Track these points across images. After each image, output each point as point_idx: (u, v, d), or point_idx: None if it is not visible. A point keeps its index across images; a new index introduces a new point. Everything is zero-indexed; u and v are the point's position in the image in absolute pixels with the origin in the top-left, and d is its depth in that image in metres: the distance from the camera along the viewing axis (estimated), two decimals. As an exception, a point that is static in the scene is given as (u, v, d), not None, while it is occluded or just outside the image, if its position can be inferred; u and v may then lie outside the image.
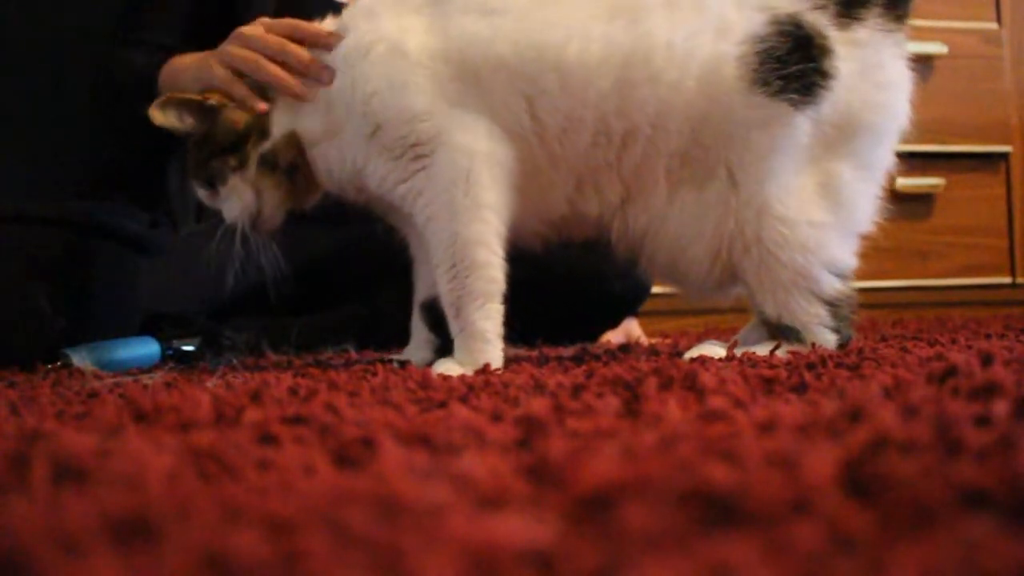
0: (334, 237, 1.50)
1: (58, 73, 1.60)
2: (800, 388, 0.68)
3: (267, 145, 1.06)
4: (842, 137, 1.02)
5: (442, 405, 0.65)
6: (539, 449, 0.46)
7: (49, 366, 1.12)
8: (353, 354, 1.25)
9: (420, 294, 1.15)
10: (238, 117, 1.06)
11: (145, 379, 0.96)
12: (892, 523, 0.33)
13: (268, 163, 1.06)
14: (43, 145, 1.66)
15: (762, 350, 1.01)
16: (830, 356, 0.91)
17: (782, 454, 0.40)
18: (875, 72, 1.03)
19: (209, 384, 0.86)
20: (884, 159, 1.07)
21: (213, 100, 1.07)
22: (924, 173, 2.30)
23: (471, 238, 1.00)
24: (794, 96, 0.99)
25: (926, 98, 2.38)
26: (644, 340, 1.53)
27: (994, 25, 2.37)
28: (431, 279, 1.07)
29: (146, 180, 1.41)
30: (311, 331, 1.39)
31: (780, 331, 1.04)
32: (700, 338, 1.56)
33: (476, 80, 1.01)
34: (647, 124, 1.01)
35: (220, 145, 1.06)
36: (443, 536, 0.32)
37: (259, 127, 1.06)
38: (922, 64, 2.30)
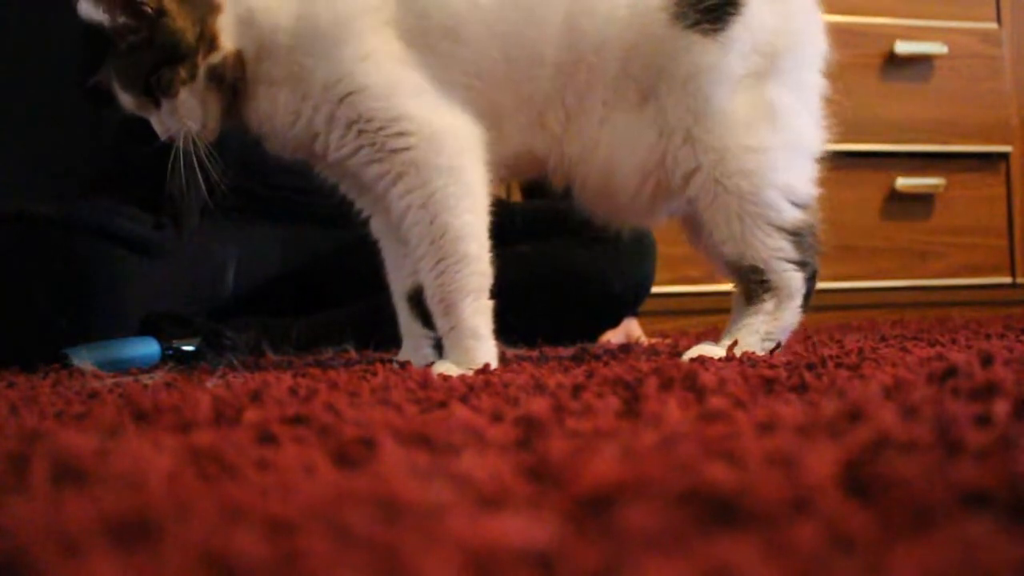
0: (334, 237, 1.50)
1: (58, 73, 1.60)
2: (800, 388, 0.68)
3: (217, 57, 1.01)
4: (765, 63, 1.04)
5: (442, 405, 0.65)
6: (539, 449, 0.46)
7: (49, 366, 1.12)
8: (353, 354, 1.25)
9: (401, 285, 1.12)
10: (184, 26, 1.00)
11: (145, 379, 0.96)
12: (892, 523, 0.33)
13: (216, 77, 1.01)
14: (44, 145, 1.66)
15: (748, 335, 1.02)
16: (830, 356, 0.91)
17: (782, 454, 0.40)
18: (783, 4, 1.06)
19: (209, 384, 0.86)
20: (813, 82, 1.09)
21: (150, 5, 1.00)
22: (924, 173, 2.30)
23: (462, 231, 0.97)
24: (707, 25, 1.02)
25: (926, 98, 2.41)
26: (644, 340, 1.53)
27: (994, 25, 2.37)
28: (411, 266, 1.04)
29: (148, 181, 1.41)
30: (311, 331, 1.39)
31: (744, 276, 1.04)
32: (700, 338, 1.56)
33: (455, 38, 1.01)
34: (591, 53, 1.03)
35: (167, 55, 1.00)
36: (443, 536, 0.32)
37: (208, 37, 1.01)
38: (922, 64, 2.31)
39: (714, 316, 2.11)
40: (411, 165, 0.98)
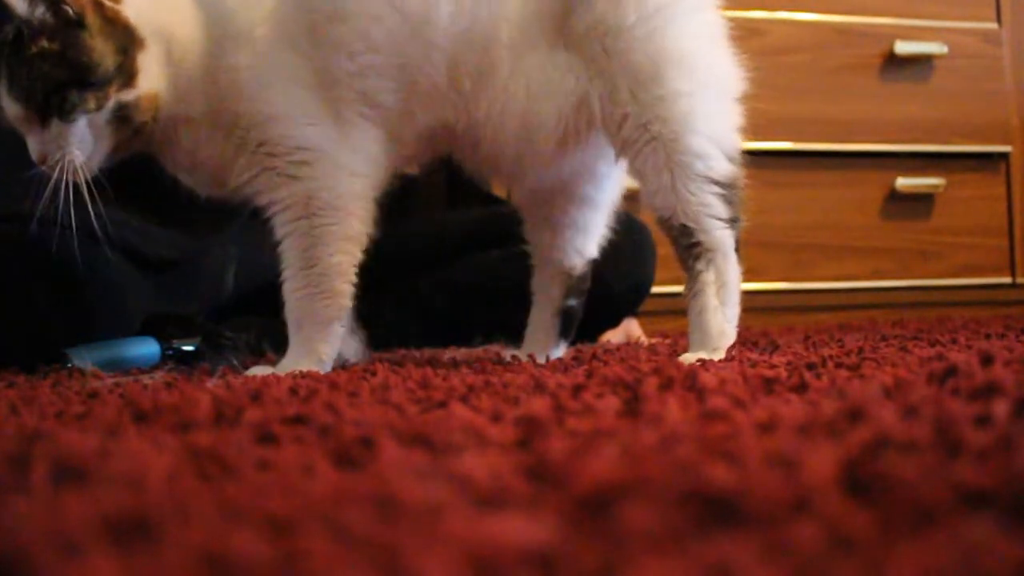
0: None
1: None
2: (800, 388, 0.68)
3: (130, 96, 0.96)
4: (662, 11, 1.02)
5: (442, 405, 0.65)
6: (539, 449, 0.46)
7: (49, 366, 1.12)
8: (353, 354, 1.25)
9: None
10: (104, 49, 0.94)
11: (145, 379, 0.96)
12: (892, 523, 0.33)
13: (122, 115, 0.96)
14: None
15: (711, 316, 1.01)
16: (830, 356, 0.91)
17: (782, 454, 0.40)
18: None
19: (209, 384, 0.86)
20: (714, 21, 1.07)
21: (72, 7, 0.93)
22: (924, 173, 2.30)
23: (333, 269, 1.01)
24: None
25: (926, 98, 2.41)
26: (644, 340, 1.53)
27: (994, 25, 2.36)
28: None
29: (149, 187, 1.40)
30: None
31: (676, 239, 1.02)
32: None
33: (342, 18, 0.99)
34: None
35: (78, 76, 0.94)
36: (443, 536, 0.32)
37: (127, 71, 0.95)
38: (922, 64, 2.31)
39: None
40: (303, 196, 1.00)
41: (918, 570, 0.29)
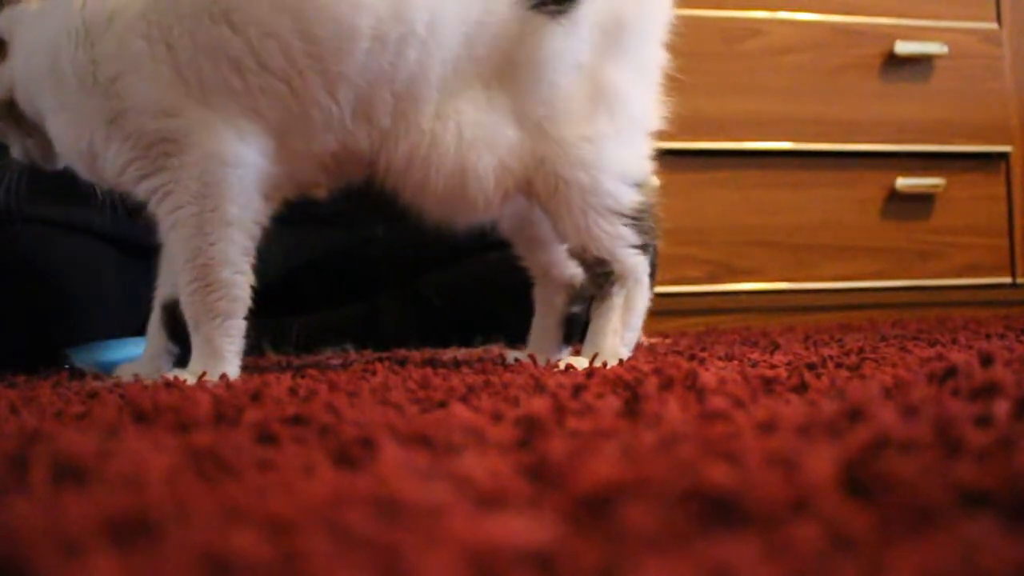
0: (335, 238, 1.50)
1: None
2: (800, 388, 0.68)
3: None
4: (607, 42, 1.00)
5: (442, 405, 0.65)
6: (539, 449, 0.46)
7: (49, 366, 1.12)
8: (353, 354, 1.25)
9: (161, 292, 1.07)
10: None
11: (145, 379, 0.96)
12: (892, 523, 0.33)
13: (11, 114, 1.01)
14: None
15: (606, 336, 1.00)
16: (830, 356, 0.91)
17: (782, 454, 0.40)
18: None
19: (209, 384, 0.86)
20: (655, 57, 1.05)
21: None
22: (924, 173, 2.30)
23: (215, 257, 0.95)
24: (552, 7, 0.98)
25: (926, 98, 2.41)
26: (644, 340, 1.53)
27: (994, 25, 2.36)
28: (175, 279, 1.02)
29: None
30: (311, 331, 1.39)
31: (589, 267, 1.02)
32: (699, 338, 1.56)
33: (229, 23, 0.93)
34: (423, 27, 0.96)
35: None
36: (443, 536, 0.32)
37: None
38: (922, 64, 2.31)
39: (714, 316, 2.10)
40: (175, 184, 0.96)
41: (918, 570, 0.29)
